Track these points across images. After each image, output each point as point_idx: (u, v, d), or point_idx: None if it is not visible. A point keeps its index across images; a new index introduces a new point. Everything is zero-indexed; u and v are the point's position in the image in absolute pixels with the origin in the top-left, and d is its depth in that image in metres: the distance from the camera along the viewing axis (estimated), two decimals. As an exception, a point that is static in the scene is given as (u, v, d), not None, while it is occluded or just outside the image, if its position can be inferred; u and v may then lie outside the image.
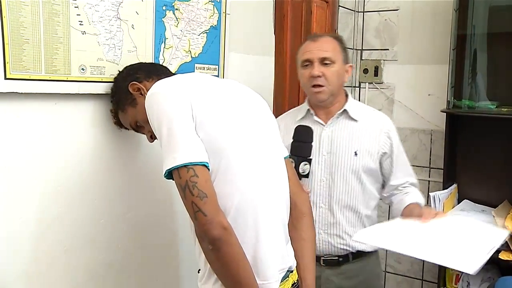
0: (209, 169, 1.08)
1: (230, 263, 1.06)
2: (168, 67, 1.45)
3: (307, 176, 1.55)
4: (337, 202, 1.66)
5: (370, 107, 1.81)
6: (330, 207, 1.67)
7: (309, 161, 1.54)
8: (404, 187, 1.73)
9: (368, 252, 1.72)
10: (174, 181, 1.07)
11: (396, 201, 1.72)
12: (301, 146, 1.55)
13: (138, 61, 1.43)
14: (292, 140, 1.56)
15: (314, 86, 1.62)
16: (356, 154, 1.65)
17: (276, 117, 1.33)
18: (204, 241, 1.05)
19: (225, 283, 1.10)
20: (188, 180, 1.03)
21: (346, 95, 1.73)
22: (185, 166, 1.03)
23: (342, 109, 1.68)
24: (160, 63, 1.51)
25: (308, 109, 1.72)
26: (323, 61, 1.61)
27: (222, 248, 1.04)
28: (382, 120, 1.72)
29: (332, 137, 1.66)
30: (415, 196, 1.69)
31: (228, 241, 1.05)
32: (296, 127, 1.60)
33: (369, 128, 1.68)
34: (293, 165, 1.49)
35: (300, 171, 1.53)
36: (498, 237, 1.49)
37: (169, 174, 1.06)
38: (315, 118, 1.70)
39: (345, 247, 1.68)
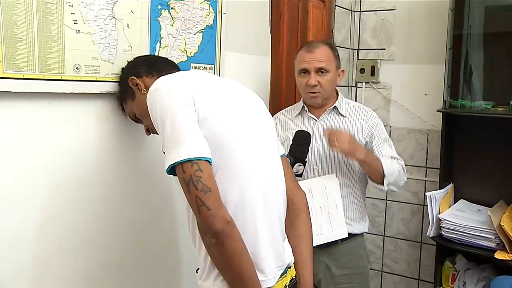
0: (211, 165, 1.08)
1: (233, 257, 1.06)
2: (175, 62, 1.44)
3: (300, 175, 1.67)
4: None
5: (358, 104, 1.97)
6: None
7: (304, 163, 1.67)
8: None
9: (354, 235, 1.87)
10: (176, 177, 1.06)
11: None
12: (298, 149, 1.69)
13: (148, 54, 1.45)
14: (291, 143, 1.71)
15: (310, 92, 1.82)
16: None
17: (272, 116, 1.35)
18: (207, 235, 1.05)
19: (227, 278, 1.10)
20: (192, 175, 1.03)
21: (337, 93, 1.93)
22: (189, 160, 1.03)
23: (333, 106, 1.88)
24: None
25: (303, 106, 1.93)
26: (319, 71, 1.80)
27: (225, 242, 1.04)
28: (368, 113, 1.89)
29: (323, 130, 1.79)
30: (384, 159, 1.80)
31: (231, 235, 1.05)
32: (296, 132, 1.73)
33: (355, 121, 1.87)
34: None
35: (294, 171, 1.65)
36: (334, 192, 1.77)
37: (172, 170, 1.06)
38: (309, 114, 1.91)
39: None
